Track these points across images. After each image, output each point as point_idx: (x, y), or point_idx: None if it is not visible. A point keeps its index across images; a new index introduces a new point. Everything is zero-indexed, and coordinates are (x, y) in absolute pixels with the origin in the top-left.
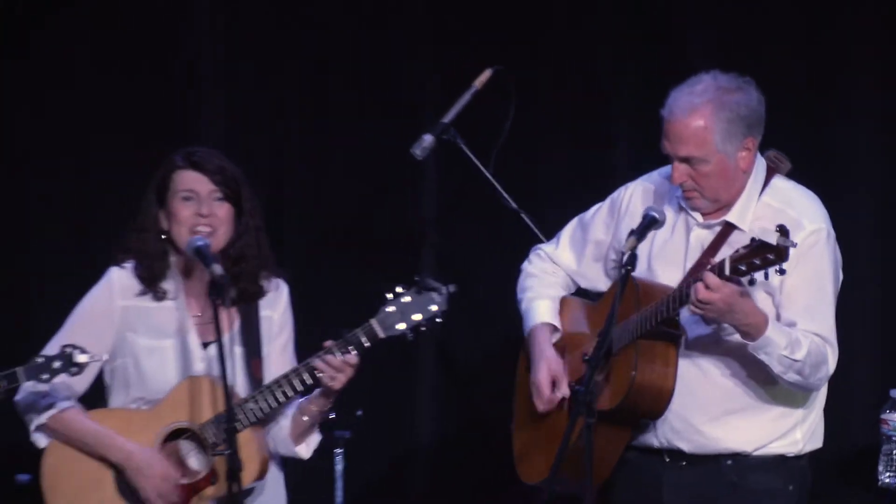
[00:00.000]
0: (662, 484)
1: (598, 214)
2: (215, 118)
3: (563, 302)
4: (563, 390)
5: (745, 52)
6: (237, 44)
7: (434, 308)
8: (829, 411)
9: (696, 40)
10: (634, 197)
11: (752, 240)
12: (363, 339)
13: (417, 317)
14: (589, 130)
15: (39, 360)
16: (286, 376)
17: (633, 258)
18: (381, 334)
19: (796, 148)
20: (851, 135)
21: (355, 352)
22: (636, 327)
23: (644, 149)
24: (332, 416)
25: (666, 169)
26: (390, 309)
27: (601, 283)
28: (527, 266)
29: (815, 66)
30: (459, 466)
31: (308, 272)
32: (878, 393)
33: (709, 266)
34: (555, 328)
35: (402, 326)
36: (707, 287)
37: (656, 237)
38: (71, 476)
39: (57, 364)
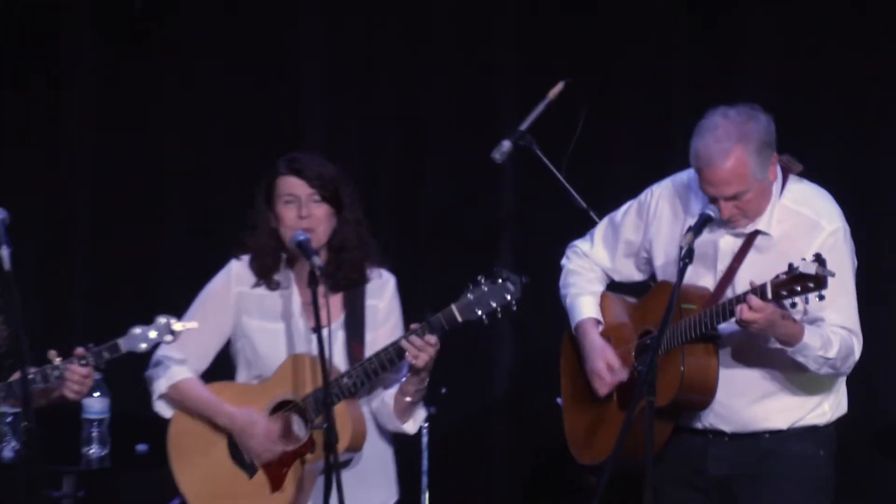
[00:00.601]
0: (707, 457)
1: (627, 216)
2: (319, 125)
3: (603, 297)
4: (622, 375)
5: (801, 55)
6: (340, 55)
7: (509, 297)
8: (867, 384)
9: (750, 47)
10: (661, 201)
11: (791, 267)
12: (444, 323)
13: (493, 304)
14: (650, 135)
15: (137, 330)
16: (376, 355)
17: (690, 252)
18: (460, 319)
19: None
20: None
21: (436, 334)
22: (681, 335)
23: None
24: (444, 390)
25: (686, 174)
26: (470, 296)
27: (635, 276)
28: (567, 263)
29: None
30: (535, 438)
31: (400, 264)
32: None
33: (751, 289)
34: (598, 322)
35: (478, 312)
36: (751, 308)
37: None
38: (190, 441)
39: (154, 333)
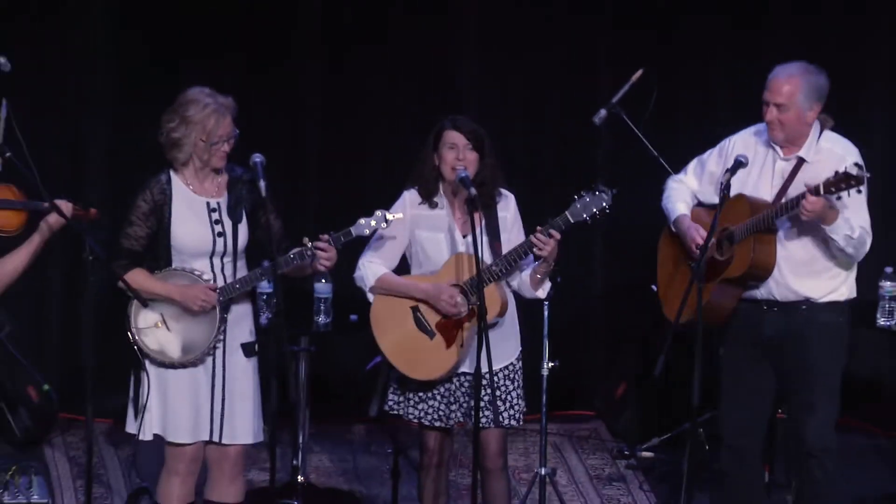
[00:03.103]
0: (763, 321)
1: (711, 155)
2: (479, 101)
3: (694, 209)
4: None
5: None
6: (489, 65)
7: (604, 204)
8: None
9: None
10: (737, 144)
11: (837, 172)
12: (560, 224)
13: (594, 209)
14: (700, 108)
15: (362, 220)
16: (514, 249)
17: (728, 186)
18: (571, 220)
19: None
20: None
21: (558, 231)
22: (754, 226)
23: (740, 117)
24: (559, 279)
25: (755, 127)
26: (577, 204)
27: (714, 198)
28: (669, 184)
29: None
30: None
31: (533, 195)
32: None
33: (810, 188)
34: (688, 216)
35: (584, 216)
36: (809, 203)
37: (753, 168)
38: (386, 316)
39: (374, 222)
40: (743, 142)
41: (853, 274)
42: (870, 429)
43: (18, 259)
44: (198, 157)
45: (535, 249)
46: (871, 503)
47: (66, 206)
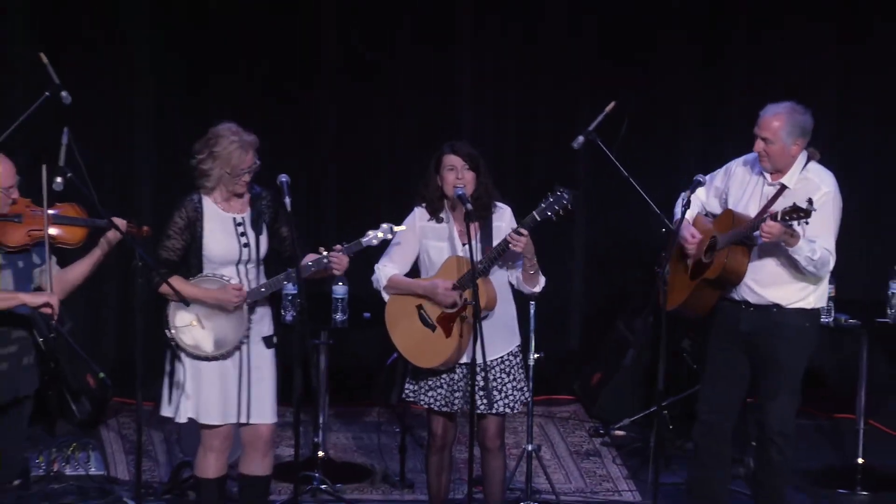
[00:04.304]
0: (740, 319)
1: (717, 174)
2: (474, 125)
3: (697, 216)
4: (698, 236)
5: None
6: (486, 90)
7: (565, 202)
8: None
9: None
10: (738, 168)
11: (794, 205)
12: (529, 222)
13: (557, 207)
14: (707, 131)
15: (370, 232)
16: (494, 248)
17: (688, 203)
18: (538, 218)
19: None
20: None
21: (526, 229)
22: (732, 239)
23: (742, 144)
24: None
25: (751, 156)
26: (542, 205)
27: (717, 210)
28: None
29: None
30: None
31: (514, 202)
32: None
33: (768, 214)
34: (689, 222)
35: (548, 213)
36: (768, 226)
37: (746, 190)
38: (397, 314)
39: (381, 233)
40: (742, 165)
41: (823, 286)
42: (813, 412)
43: (81, 268)
44: (223, 185)
45: (510, 246)
46: (817, 475)
47: (121, 223)
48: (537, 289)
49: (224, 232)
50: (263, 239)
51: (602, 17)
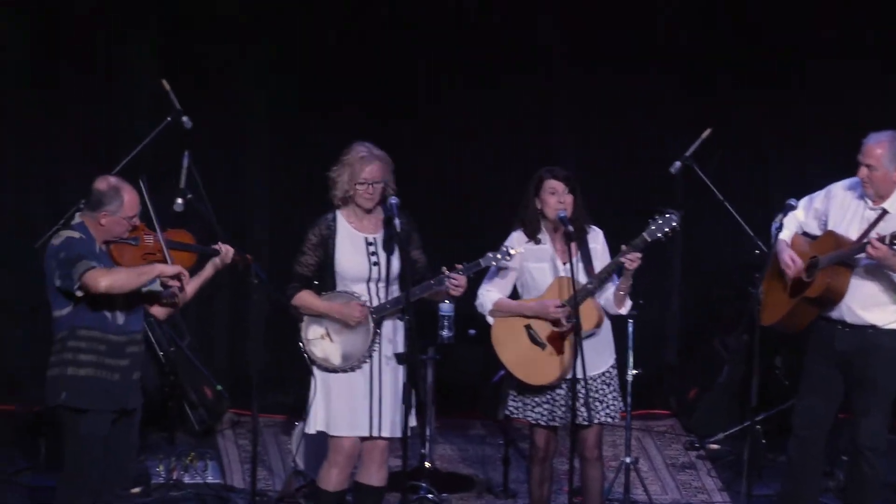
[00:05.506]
0: (835, 337)
1: (818, 196)
2: (569, 148)
3: (795, 236)
4: (798, 266)
5: None
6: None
7: (674, 223)
8: None
9: None
10: (839, 191)
11: None
12: (639, 243)
13: (666, 229)
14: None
15: (489, 254)
16: (605, 268)
17: (780, 228)
18: (649, 239)
19: None
20: None
21: (637, 249)
22: (834, 259)
23: (828, 168)
24: (641, 301)
25: (852, 180)
26: (652, 226)
27: (815, 231)
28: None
29: None
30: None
31: (612, 227)
32: None
33: (876, 237)
34: (788, 244)
35: (658, 235)
36: (874, 247)
37: (847, 213)
38: (504, 336)
39: (500, 255)
40: (843, 189)
41: None
42: None
43: (191, 287)
44: (348, 195)
45: (626, 265)
46: None
47: (228, 250)
48: (623, 310)
49: (355, 250)
50: (395, 259)
51: (687, 50)
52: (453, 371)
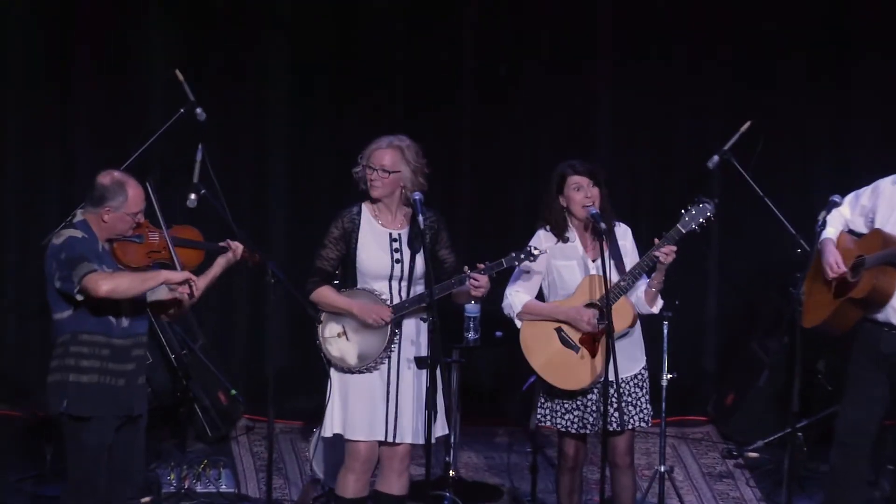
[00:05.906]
0: (881, 340)
1: (865, 192)
2: (611, 144)
3: (841, 234)
4: (841, 269)
5: None
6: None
7: (708, 213)
8: None
9: None
10: (886, 186)
11: None
12: (674, 235)
13: (701, 219)
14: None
15: (513, 254)
16: (637, 264)
17: (824, 223)
18: (683, 230)
19: None
20: None
21: (671, 242)
22: (882, 259)
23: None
24: (678, 302)
25: None
26: (686, 217)
27: (861, 228)
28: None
29: None
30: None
31: (647, 226)
32: None
33: None
34: (833, 242)
35: (693, 225)
36: None
37: (895, 210)
38: (534, 340)
39: (524, 255)
40: (891, 184)
41: None
42: None
43: (199, 287)
44: (362, 181)
45: (661, 259)
46: None
47: (237, 246)
48: (655, 309)
49: (378, 246)
50: (419, 257)
51: (736, 43)
52: (480, 374)
